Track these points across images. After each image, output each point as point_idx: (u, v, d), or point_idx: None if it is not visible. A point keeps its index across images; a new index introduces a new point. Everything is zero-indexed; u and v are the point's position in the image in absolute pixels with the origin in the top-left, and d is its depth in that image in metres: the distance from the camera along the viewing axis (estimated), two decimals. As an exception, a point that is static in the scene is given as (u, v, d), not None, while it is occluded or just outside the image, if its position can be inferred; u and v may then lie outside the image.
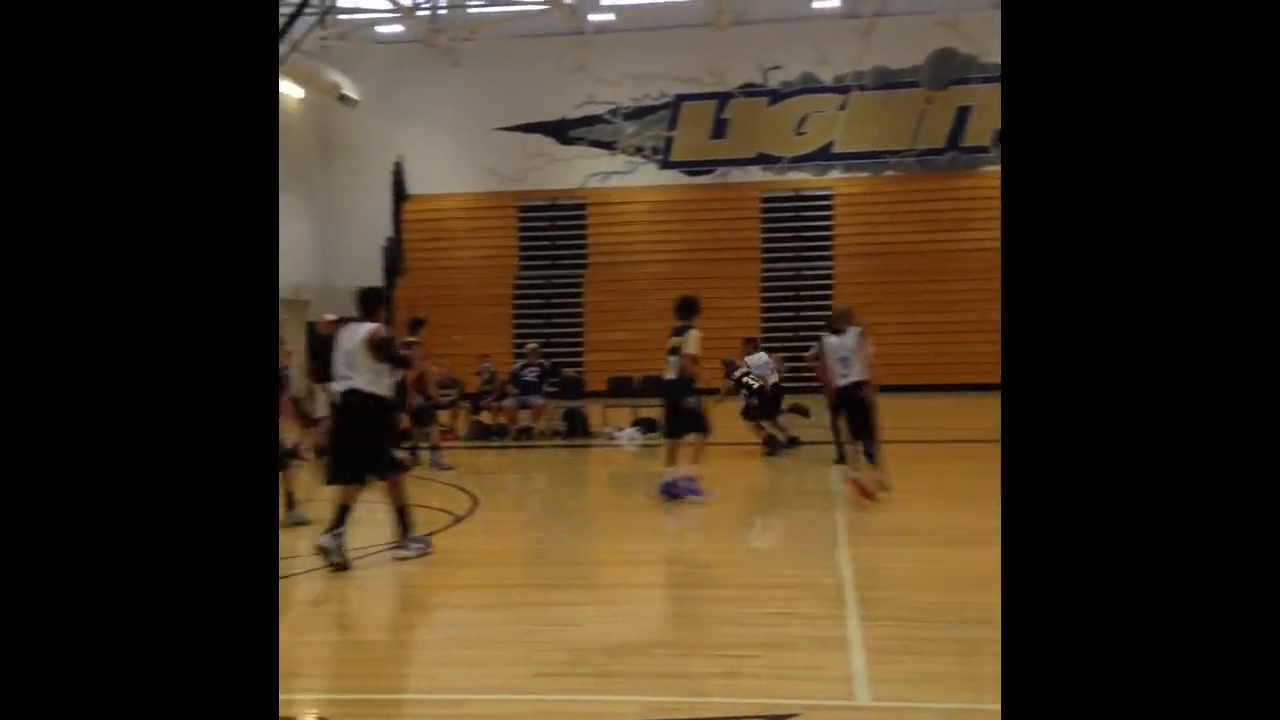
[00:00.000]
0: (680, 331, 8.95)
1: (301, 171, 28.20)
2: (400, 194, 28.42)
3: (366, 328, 6.78)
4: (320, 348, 14.03)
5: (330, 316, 15.47)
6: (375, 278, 27.35)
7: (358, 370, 6.68)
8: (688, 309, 9.05)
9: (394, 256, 27.97)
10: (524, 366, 15.66)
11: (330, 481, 6.84)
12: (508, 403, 15.24)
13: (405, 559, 6.75)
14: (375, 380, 6.71)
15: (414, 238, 28.09)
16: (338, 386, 6.80)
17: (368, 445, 6.72)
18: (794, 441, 12.42)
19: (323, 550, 6.53)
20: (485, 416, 15.41)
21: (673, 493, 8.81)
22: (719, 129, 27.19)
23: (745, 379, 12.42)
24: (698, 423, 9.16)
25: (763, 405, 12.38)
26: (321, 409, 13.50)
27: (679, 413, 9.02)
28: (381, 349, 6.71)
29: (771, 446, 12.16)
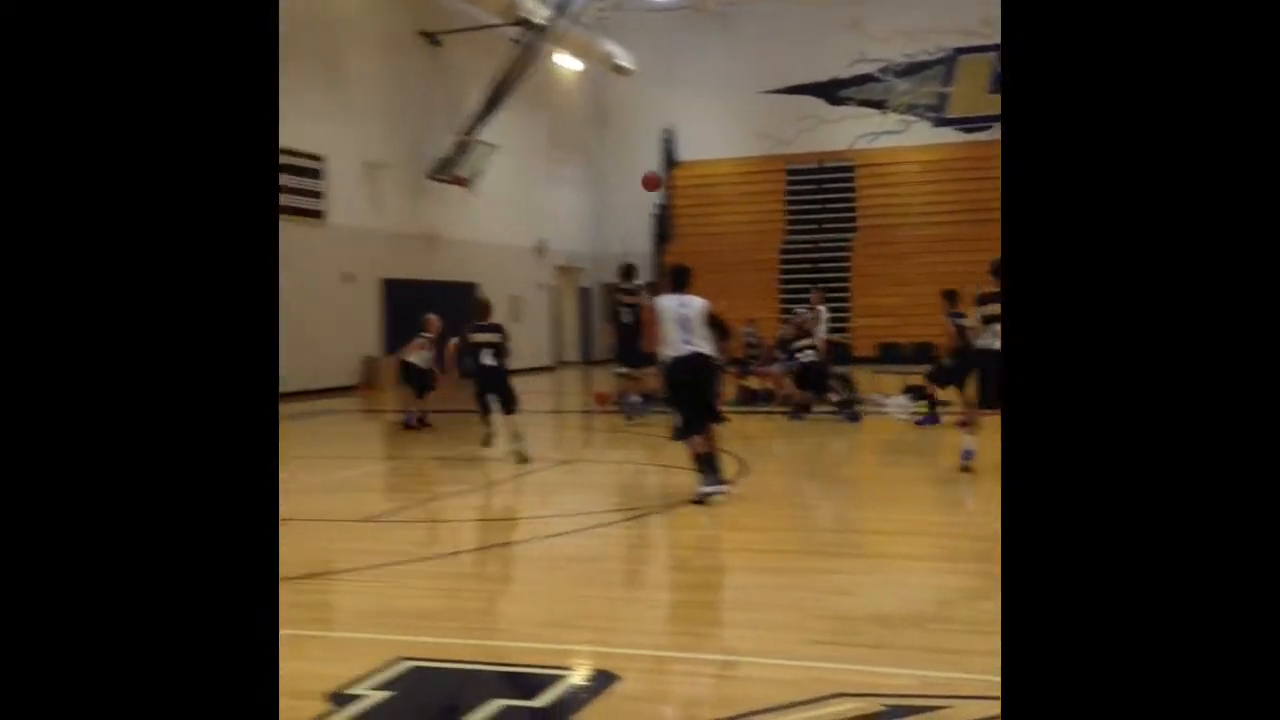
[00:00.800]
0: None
1: (576, 142, 29.15)
2: (670, 160, 28.83)
3: (700, 300, 7.72)
4: (614, 312, 14.71)
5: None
6: (644, 244, 28.05)
7: (698, 336, 7.61)
8: None
9: (663, 223, 28.48)
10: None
11: (680, 437, 7.74)
12: (774, 368, 15.22)
13: (711, 497, 7.49)
14: (709, 345, 7.75)
15: (683, 203, 28.46)
16: (674, 351, 7.60)
17: (707, 400, 7.78)
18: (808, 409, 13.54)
19: (704, 497, 7.45)
20: (752, 382, 15.47)
21: None
22: (999, 82, 25.90)
23: (803, 348, 13.61)
24: None
25: (812, 376, 13.46)
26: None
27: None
28: (715, 318, 7.84)
29: (795, 411, 13.47)
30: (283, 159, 18.73)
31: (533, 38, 22.70)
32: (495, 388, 10.16)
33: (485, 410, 10.32)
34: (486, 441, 10.50)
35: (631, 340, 12.89)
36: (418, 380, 13.22)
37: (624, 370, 13.97)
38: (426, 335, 13.32)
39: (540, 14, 22.90)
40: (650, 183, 17.07)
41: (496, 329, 10.23)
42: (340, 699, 3.69)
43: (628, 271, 14.49)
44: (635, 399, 13.88)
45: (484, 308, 10.51)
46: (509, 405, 10.15)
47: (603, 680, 3.87)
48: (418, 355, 13.21)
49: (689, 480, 7.82)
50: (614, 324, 14.29)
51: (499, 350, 10.11)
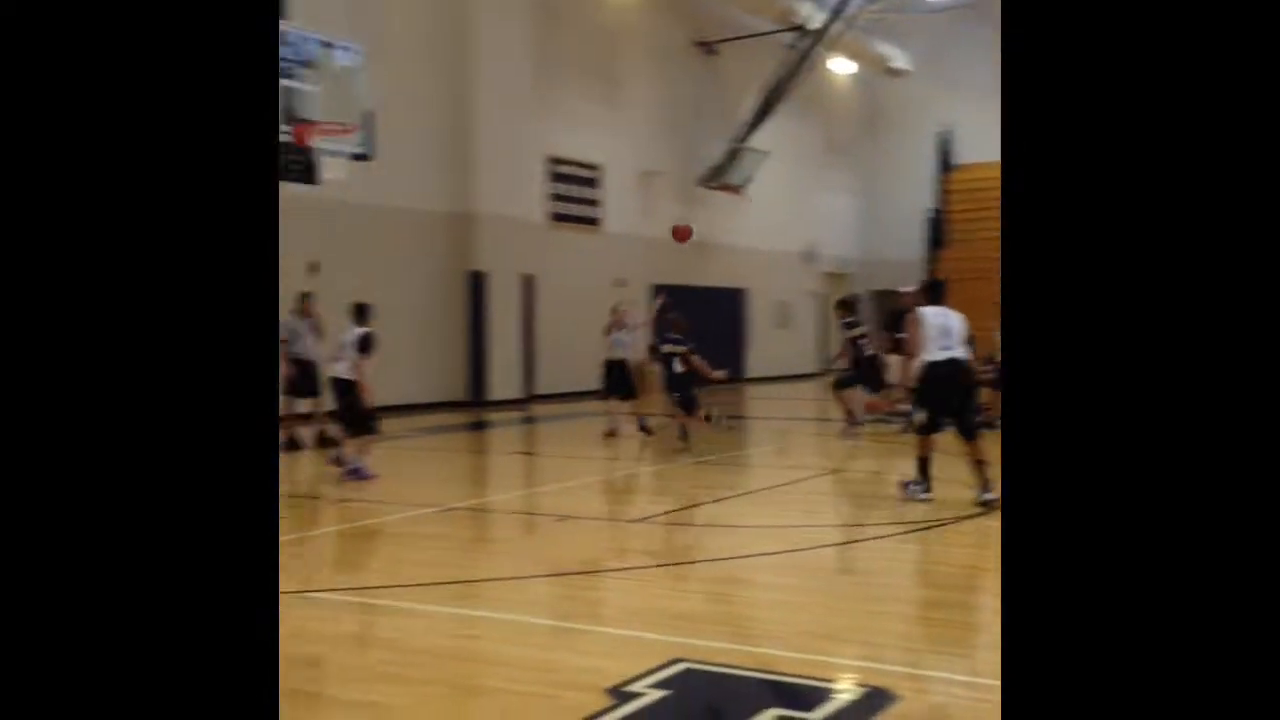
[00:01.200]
0: None
1: (848, 146, 28.80)
2: (945, 164, 27.98)
3: (958, 315, 8.08)
4: (890, 321, 14.38)
5: (908, 288, 15.86)
6: (915, 250, 27.34)
7: (958, 344, 7.95)
8: None
9: (937, 228, 27.66)
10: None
11: (922, 433, 8.06)
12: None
13: (989, 503, 7.65)
14: (968, 353, 8.08)
15: (958, 208, 27.51)
16: (932, 355, 7.92)
17: (963, 408, 8.03)
18: None
19: (911, 495, 7.98)
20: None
21: None
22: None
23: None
24: None
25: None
26: (894, 376, 13.84)
27: None
28: (969, 335, 8.17)
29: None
30: (563, 169, 19.55)
31: (807, 43, 22.61)
32: (681, 392, 11.74)
33: (686, 411, 11.84)
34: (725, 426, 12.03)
35: (872, 368, 13.45)
36: (621, 381, 12.90)
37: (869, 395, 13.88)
38: (619, 332, 13.08)
39: (815, 19, 22.78)
40: (681, 234, 17.13)
41: (682, 341, 11.77)
42: (620, 694, 3.81)
43: (851, 305, 14.20)
44: (905, 409, 13.54)
45: (676, 322, 12.04)
46: (689, 409, 11.80)
47: (878, 698, 3.80)
48: (618, 349, 12.95)
49: (957, 494, 7.75)
50: (853, 357, 13.94)
51: (686, 360, 11.71)
